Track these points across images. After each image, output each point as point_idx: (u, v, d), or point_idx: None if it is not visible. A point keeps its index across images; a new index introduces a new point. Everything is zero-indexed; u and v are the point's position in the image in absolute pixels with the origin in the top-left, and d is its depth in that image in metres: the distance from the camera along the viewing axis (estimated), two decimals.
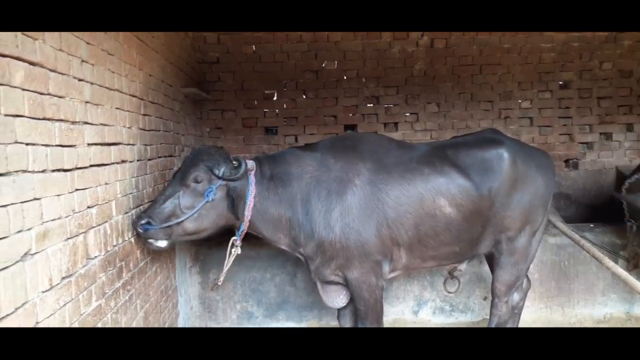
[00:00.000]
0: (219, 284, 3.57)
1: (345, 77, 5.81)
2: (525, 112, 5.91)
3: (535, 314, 4.49)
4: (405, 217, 3.27)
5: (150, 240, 3.05)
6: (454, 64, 5.87)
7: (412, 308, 4.54)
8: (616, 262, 4.32)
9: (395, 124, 5.90)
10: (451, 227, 3.34)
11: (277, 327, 4.44)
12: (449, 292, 4.34)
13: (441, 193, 3.29)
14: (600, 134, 5.96)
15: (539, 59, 5.85)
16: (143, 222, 2.94)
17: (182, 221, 3.05)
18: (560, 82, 5.93)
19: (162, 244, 3.08)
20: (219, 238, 3.46)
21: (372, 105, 5.89)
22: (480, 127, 5.72)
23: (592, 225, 4.70)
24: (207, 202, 3.10)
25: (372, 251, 3.28)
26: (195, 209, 3.07)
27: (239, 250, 3.38)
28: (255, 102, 5.74)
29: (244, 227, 3.31)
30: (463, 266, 3.82)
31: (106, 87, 2.70)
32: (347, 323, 3.73)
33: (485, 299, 4.47)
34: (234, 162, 3.23)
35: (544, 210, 3.61)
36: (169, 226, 3.02)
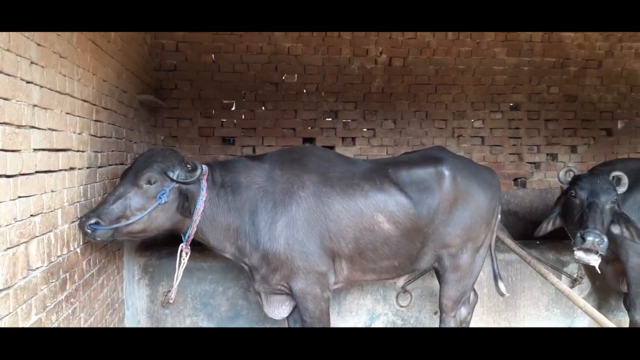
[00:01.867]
0: (171, 301, 3.48)
1: (305, 91, 5.86)
2: (478, 131, 6.12)
3: None
4: (345, 230, 3.33)
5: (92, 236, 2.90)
6: (411, 82, 6.02)
7: (365, 322, 4.56)
8: (560, 279, 4.53)
9: (353, 138, 5.96)
10: (389, 242, 3.41)
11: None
12: (401, 306, 4.41)
13: (379, 209, 3.37)
14: (547, 154, 6.24)
15: (492, 80, 6.10)
16: (92, 222, 2.83)
17: (131, 223, 2.97)
18: (511, 104, 6.19)
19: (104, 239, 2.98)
20: (169, 248, 3.37)
21: (330, 119, 5.95)
22: (434, 144, 5.86)
23: (537, 243, 4.87)
24: (158, 204, 3.03)
25: (316, 262, 3.31)
26: (147, 210, 3.00)
27: (186, 258, 3.31)
28: (213, 112, 5.67)
29: (191, 231, 3.26)
30: (401, 282, 3.88)
31: (57, 91, 2.60)
32: None
33: (435, 313, 4.53)
34: (189, 166, 3.18)
35: (487, 227, 3.70)
36: (117, 227, 2.92)
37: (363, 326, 4.55)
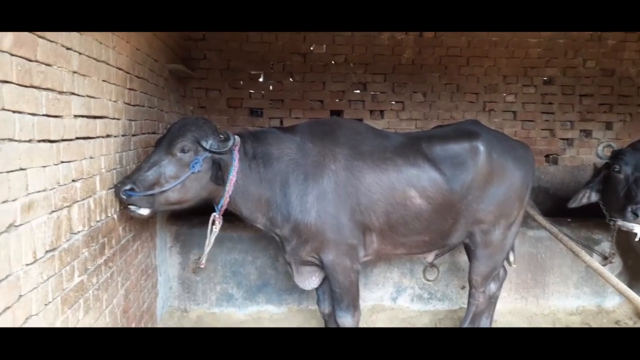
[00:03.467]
0: (202, 266, 3.54)
1: (333, 62, 5.77)
2: (510, 105, 5.98)
3: (511, 305, 4.59)
4: (377, 204, 3.32)
5: (133, 208, 2.96)
6: (442, 55, 5.88)
7: (391, 294, 4.58)
8: (591, 257, 4.46)
9: (382, 111, 5.90)
10: (421, 217, 3.39)
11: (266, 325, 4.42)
12: (428, 280, 4.41)
13: (412, 184, 3.34)
14: (581, 130, 6.08)
15: (525, 53, 5.92)
16: (127, 187, 2.86)
17: (165, 190, 2.99)
18: (545, 78, 6.01)
19: (145, 211, 2.99)
20: (200, 218, 3.41)
21: (359, 91, 5.87)
22: (464, 118, 5.76)
23: (569, 220, 4.80)
24: (192, 173, 3.05)
25: (346, 235, 3.32)
26: (180, 179, 3.02)
27: (218, 227, 3.34)
28: (241, 83, 5.65)
29: (224, 202, 3.28)
30: (430, 257, 3.87)
31: (94, 58, 2.61)
32: (327, 308, 3.76)
33: (463, 287, 4.54)
34: (222, 136, 3.19)
35: (520, 203, 3.65)
36: (152, 194, 2.95)
37: (389, 298, 4.57)
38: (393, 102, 5.90)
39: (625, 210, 3.54)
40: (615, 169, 3.78)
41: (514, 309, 4.56)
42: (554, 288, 4.63)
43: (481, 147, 3.47)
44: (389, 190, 3.32)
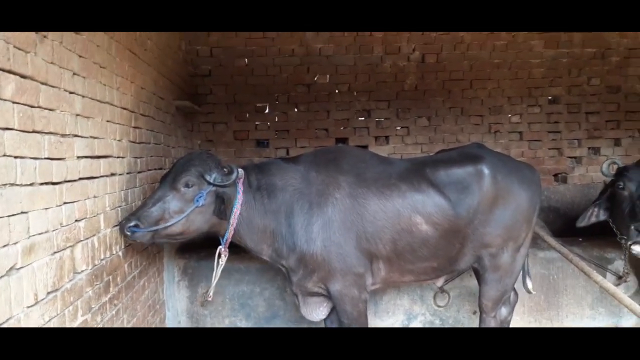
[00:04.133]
0: (209, 299, 3.55)
1: (337, 91, 5.86)
2: (515, 126, 5.98)
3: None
4: (382, 231, 3.31)
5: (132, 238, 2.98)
6: (445, 79, 5.94)
7: (402, 322, 4.53)
8: (604, 276, 4.37)
9: (387, 137, 5.93)
10: (428, 243, 3.37)
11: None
12: (439, 306, 4.35)
13: (417, 211, 3.33)
14: (589, 148, 6.04)
15: (529, 74, 5.94)
16: (131, 224, 2.91)
17: (170, 225, 3.04)
18: (549, 97, 6.02)
19: (144, 241, 3.07)
20: (207, 250, 3.44)
21: (363, 118, 5.93)
22: (470, 141, 5.75)
23: (580, 240, 4.73)
24: (196, 207, 3.09)
25: (353, 264, 3.31)
26: (184, 213, 3.06)
27: (224, 260, 3.36)
28: (247, 115, 5.76)
29: (229, 234, 3.31)
30: (439, 282, 3.82)
31: (97, 100, 2.70)
32: None
33: (474, 313, 4.46)
34: (225, 169, 3.23)
35: (527, 225, 3.61)
36: (156, 230, 3.00)
37: (400, 326, 4.52)
38: (398, 128, 5.94)
39: (629, 228, 3.49)
40: (620, 186, 3.75)
41: None
42: (568, 310, 4.54)
43: (486, 171, 3.46)
44: (395, 217, 3.32)
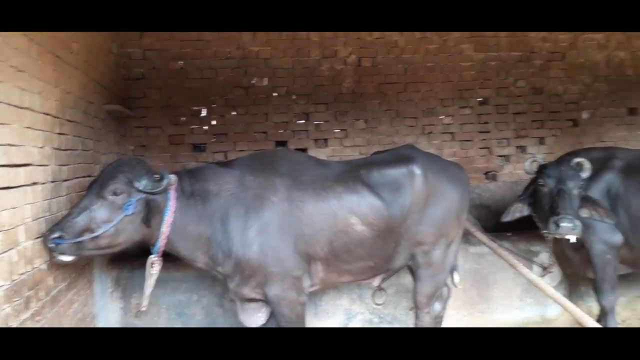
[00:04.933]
0: (143, 309, 3.45)
1: (275, 94, 5.85)
2: (447, 127, 6.20)
3: (460, 321, 4.66)
4: (320, 233, 3.34)
5: (55, 254, 2.87)
6: (381, 82, 6.08)
7: (342, 322, 4.59)
8: (531, 268, 4.62)
9: (325, 140, 5.99)
10: (364, 243, 3.43)
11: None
12: (377, 304, 4.43)
13: (353, 212, 3.39)
14: (516, 147, 6.35)
15: (460, 76, 6.19)
16: (55, 235, 2.79)
17: (97, 236, 2.93)
18: (479, 99, 6.27)
19: (68, 258, 2.91)
20: (142, 260, 3.34)
21: (302, 121, 5.96)
22: (405, 142, 5.90)
23: (509, 234, 4.98)
24: (125, 216, 2.99)
25: (291, 267, 3.31)
26: (112, 223, 2.96)
27: (157, 269, 3.27)
28: (183, 119, 5.64)
29: (161, 243, 3.22)
30: (376, 281, 3.91)
31: (14, 106, 2.57)
32: None
33: (411, 309, 4.57)
34: (156, 176, 3.15)
35: (458, 222, 3.76)
36: (81, 241, 2.88)
37: (340, 326, 4.57)
38: (336, 130, 6.01)
39: (549, 222, 3.70)
40: (540, 183, 3.97)
41: (461, 325, 4.62)
42: (499, 302, 4.75)
43: (417, 171, 3.58)
44: (331, 218, 3.36)
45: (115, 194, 3.00)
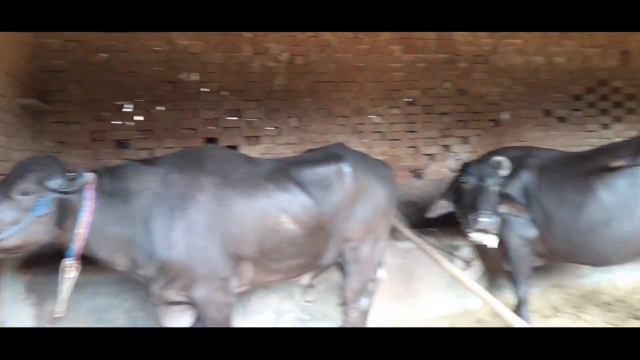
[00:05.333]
0: (57, 315, 3.25)
1: (205, 90, 5.73)
2: (377, 126, 6.33)
3: (386, 315, 4.77)
4: (249, 232, 3.29)
5: None
6: (313, 80, 6.11)
7: (272, 320, 4.57)
8: (455, 262, 4.82)
9: (257, 137, 5.94)
10: (294, 242, 3.43)
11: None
12: (308, 302, 4.46)
13: (283, 210, 3.37)
14: (442, 146, 6.60)
15: (389, 77, 6.33)
16: None
17: (4, 238, 2.74)
18: (408, 99, 6.45)
19: None
20: (58, 263, 3.15)
21: (234, 118, 5.87)
22: (337, 141, 5.98)
23: (434, 230, 5.16)
24: (36, 217, 2.81)
25: (218, 268, 3.24)
26: (21, 224, 2.77)
27: (73, 273, 3.10)
28: (106, 114, 5.39)
29: (76, 246, 3.04)
30: (306, 279, 3.94)
31: None
32: None
33: (340, 305, 4.65)
34: (71, 174, 2.97)
35: (385, 219, 3.86)
36: None
37: (270, 325, 4.55)
38: (269, 128, 5.97)
39: (469, 218, 3.88)
40: (462, 181, 4.14)
41: (388, 319, 4.73)
42: (424, 295, 4.91)
43: (347, 169, 3.62)
44: (261, 217, 3.32)
45: (24, 193, 2.81)
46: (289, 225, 3.39)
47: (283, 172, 3.52)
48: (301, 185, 3.48)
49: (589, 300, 5.18)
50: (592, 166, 4.08)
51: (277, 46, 5.96)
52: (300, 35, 6.00)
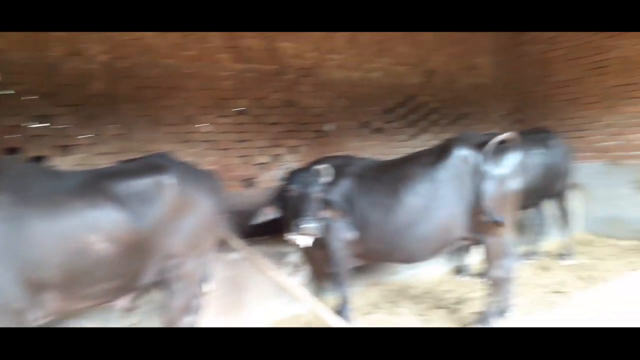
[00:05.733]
0: None
1: (6, 92, 5.00)
2: (208, 135, 6.23)
3: None
4: (51, 256, 2.94)
5: None
6: (136, 85, 5.76)
7: None
8: (284, 269, 4.96)
9: (70, 147, 5.38)
10: (108, 263, 3.16)
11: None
12: (129, 325, 4.17)
13: (93, 229, 3.08)
14: (273, 155, 6.76)
15: (219, 86, 6.28)
16: None
17: None
18: (238, 109, 6.47)
19: None
20: None
21: (41, 125, 5.23)
22: (164, 150, 5.73)
23: (265, 238, 5.25)
24: None
25: (10, 299, 2.84)
26: None
27: None
28: None
29: None
30: (123, 302, 3.69)
31: None
32: None
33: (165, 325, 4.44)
34: None
35: (211, 232, 3.79)
36: None
37: None
38: (84, 137, 5.45)
39: (292, 224, 4.04)
40: (287, 188, 4.30)
41: None
42: (255, 305, 4.96)
43: (169, 181, 3.45)
44: (65, 238, 2.96)
45: None
46: (99, 245, 3.09)
47: (93, 186, 3.20)
48: (115, 200, 3.21)
49: (402, 295, 5.77)
50: (399, 173, 4.55)
51: (94, 47, 5.49)
52: (120, 36, 5.61)
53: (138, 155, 5.31)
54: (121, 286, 3.39)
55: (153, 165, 3.56)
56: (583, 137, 8.25)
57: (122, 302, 3.64)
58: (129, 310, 3.84)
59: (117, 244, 3.18)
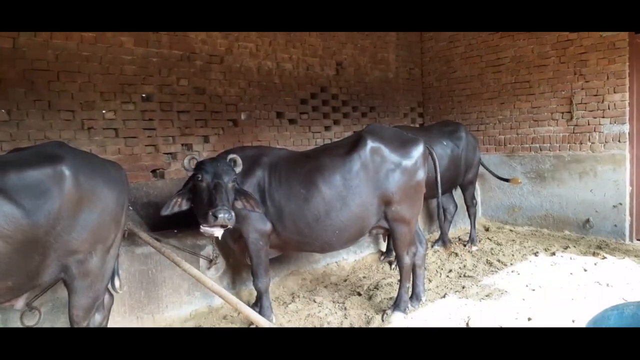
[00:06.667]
0: None
1: None
2: (110, 123, 5.82)
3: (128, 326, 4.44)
4: None
5: None
6: (26, 68, 5.23)
7: None
8: (198, 262, 4.79)
9: None
10: None
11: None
12: (29, 326, 3.79)
13: None
14: (182, 144, 6.47)
15: (121, 70, 5.88)
16: None
17: None
18: (143, 95, 6.10)
19: None
20: None
21: None
22: (61, 137, 5.28)
23: (175, 231, 5.02)
24: None
25: None
26: None
27: None
28: None
29: None
30: (20, 303, 3.36)
31: None
32: None
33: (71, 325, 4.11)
34: None
35: (116, 225, 3.52)
36: None
37: None
38: None
39: (207, 214, 3.89)
40: (198, 178, 4.13)
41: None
42: (168, 300, 4.73)
43: (66, 172, 3.13)
44: None
45: None
46: None
47: None
48: (5, 193, 2.88)
49: (320, 283, 5.81)
50: (314, 164, 4.56)
51: None
52: None
53: (31, 144, 4.91)
54: (16, 286, 3.07)
55: (48, 154, 3.22)
56: (483, 130, 8.85)
57: (20, 302, 3.30)
58: (28, 310, 3.51)
59: (9, 240, 2.85)
